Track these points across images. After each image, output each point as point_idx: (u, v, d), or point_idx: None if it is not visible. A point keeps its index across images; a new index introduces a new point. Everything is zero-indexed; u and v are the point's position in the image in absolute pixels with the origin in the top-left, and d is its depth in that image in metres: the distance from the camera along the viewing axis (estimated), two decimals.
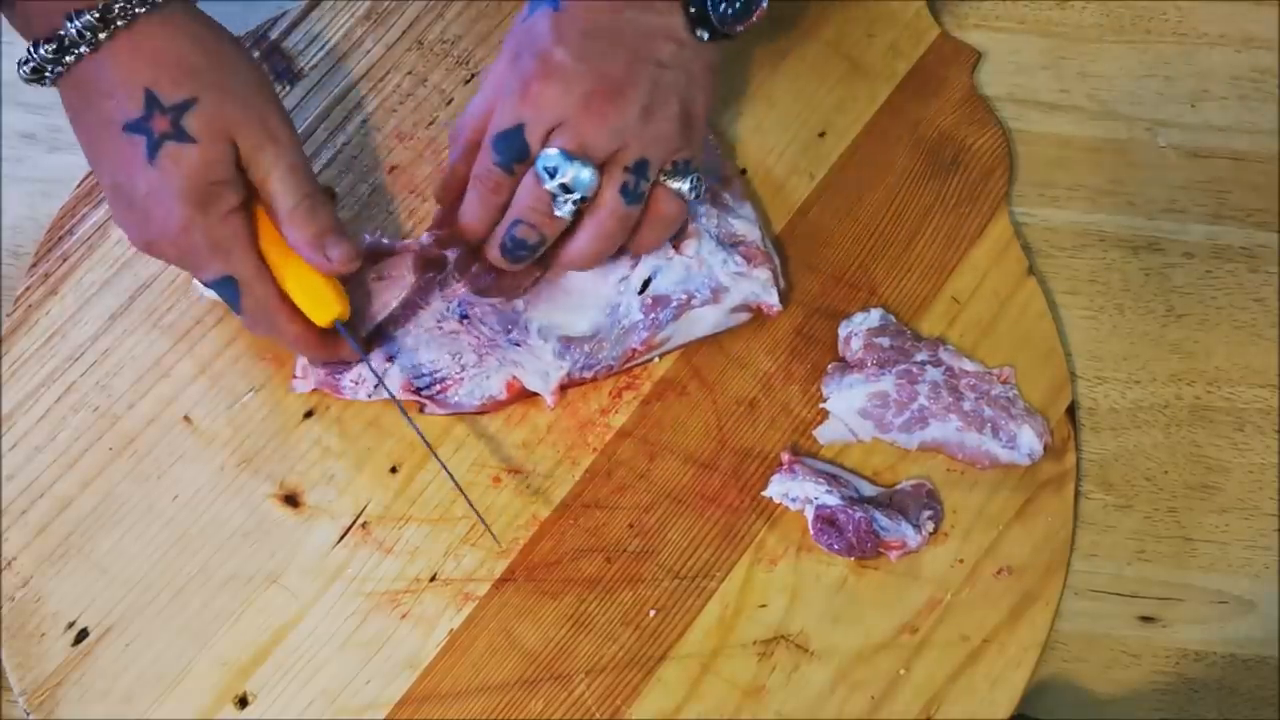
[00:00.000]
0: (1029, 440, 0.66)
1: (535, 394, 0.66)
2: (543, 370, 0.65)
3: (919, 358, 0.67)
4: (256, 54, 0.73)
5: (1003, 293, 0.70)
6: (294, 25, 0.74)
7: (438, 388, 0.65)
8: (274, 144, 0.58)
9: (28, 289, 0.68)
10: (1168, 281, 0.71)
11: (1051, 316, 0.70)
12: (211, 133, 0.56)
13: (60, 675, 0.62)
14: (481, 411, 0.66)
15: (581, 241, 0.62)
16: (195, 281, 0.65)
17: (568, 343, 0.65)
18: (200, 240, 0.57)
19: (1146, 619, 0.66)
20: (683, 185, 0.62)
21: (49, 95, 0.73)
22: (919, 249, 0.70)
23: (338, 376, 0.65)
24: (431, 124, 0.72)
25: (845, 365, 0.68)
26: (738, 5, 0.61)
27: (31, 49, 0.57)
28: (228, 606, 0.63)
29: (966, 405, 0.66)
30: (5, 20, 0.73)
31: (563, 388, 0.66)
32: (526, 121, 0.59)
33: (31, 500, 0.64)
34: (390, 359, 0.65)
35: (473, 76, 0.73)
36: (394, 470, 0.66)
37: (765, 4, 0.62)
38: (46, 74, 0.58)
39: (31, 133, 0.73)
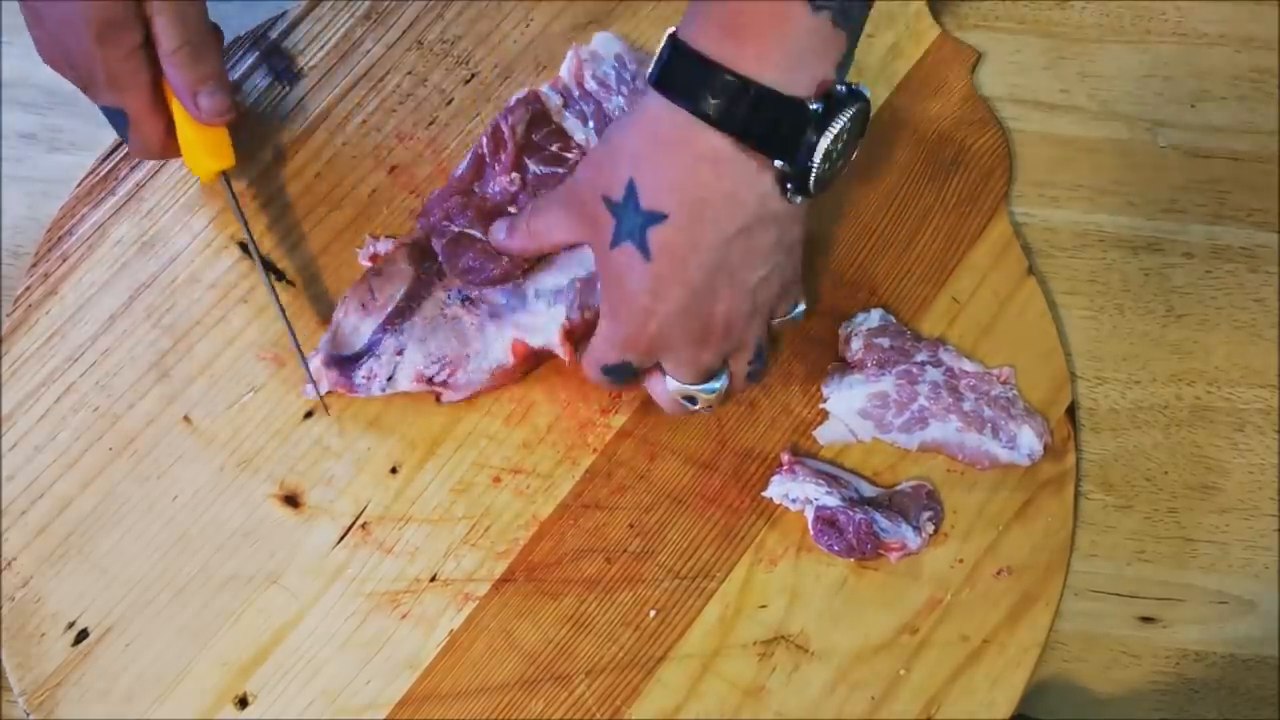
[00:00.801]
0: (1029, 440, 0.66)
1: (544, 360, 0.66)
2: (543, 323, 0.65)
3: (919, 358, 0.67)
4: (256, 54, 0.73)
5: (1003, 293, 0.70)
6: (294, 25, 0.74)
7: (447, 372, 0.65)
8: None
9: (28, 289, 0.68)
10: (1168, 281, 0.71)
11: (1051, 316, 0.70)
12: None
13: (60, 675, 0.62)
14: (497, 386, 0.66)
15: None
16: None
17: (559, 292, 0.65)
18: (99, 72, 0.60)
19: (1146, 619, 0.66)
20: (793, 319, 0.64)
21: (49, 95, 0.73)
22: (919, 249, 0.70)
23: (349, 376, 0.65)
24: (431, 124, 0.72)
25: (845, 365, 0.68)
26: (835, 163, 0.55)
27: None
28: (228, 606, 0.63)
29: (966, 405, 0.66)
30: (4, 20, 0.73)
31: (570, 338, 0.64)
32: (633, 360, 0.60)
33: (31, 500, 0.64)
34: (399, 352, 0.65)
35: (473, 76, 0.73)
36: (394, 470, 0.66)
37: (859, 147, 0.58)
38: None
39: (31, 133, 0.73)
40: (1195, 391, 0.69)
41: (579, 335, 0.64)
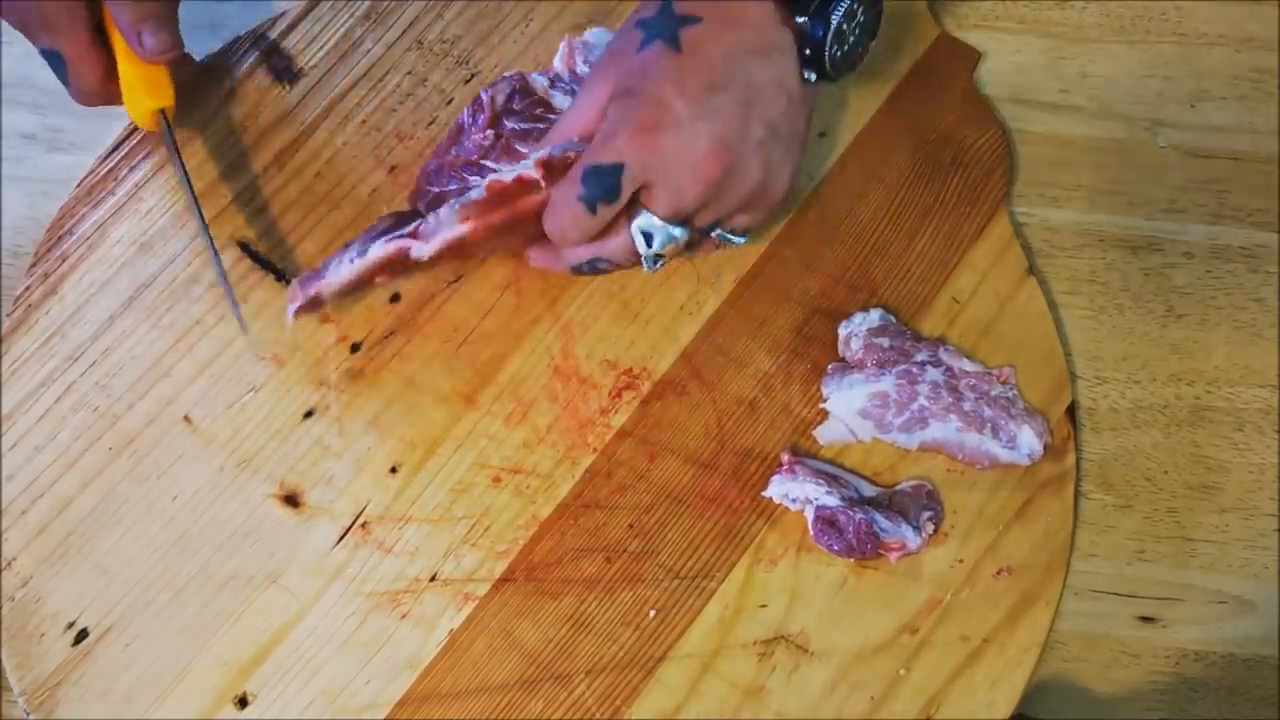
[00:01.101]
0: (1029, 440, 0.66)
1: (520, 228, 0.63)
2: (519, 165, 0.62)
3: (919, 358, 0.67)
4: (256, 54, 0.73)
5: (1003, 293, 0.70)
6: (294, 25, 0.74)
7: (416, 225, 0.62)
8: None
9: (28, 289, 0.68)
10: (1168, 281, 0.71)
11: (1051, 316, 0.70)
12: None
13: (60, 675, 0.62)
14: (471, 245, 0.62)
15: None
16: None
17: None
18: (34, 14, 0.61)
19: (1146, 619, 0.66)
20: (734, 240, 0.64)
21: (49, 95, 0.73)
22: (919, 249, 0.70)
23: (319, 273, 0.62)
24: (431, 124, 0.72)
25: (845, 365, 0.68)
26: (848, 47, 0.60)
27: None
28: (228, 606, 0.63)
29: (966, 405, 0.66)
30: (4, 20, 0.73)
31: (547, 169, 0.61)
32: (628, 165, 0.58)
33: (31, 500, 0.64)
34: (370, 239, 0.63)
35: (473, 76, 0.73)
36: (394, 470, 0.66)
37: (870, 49, 0.62)
38: None
39: (31, 133, 0.73)
40: (1195, 391, 0.69)
41: (555, 169, 0.61)
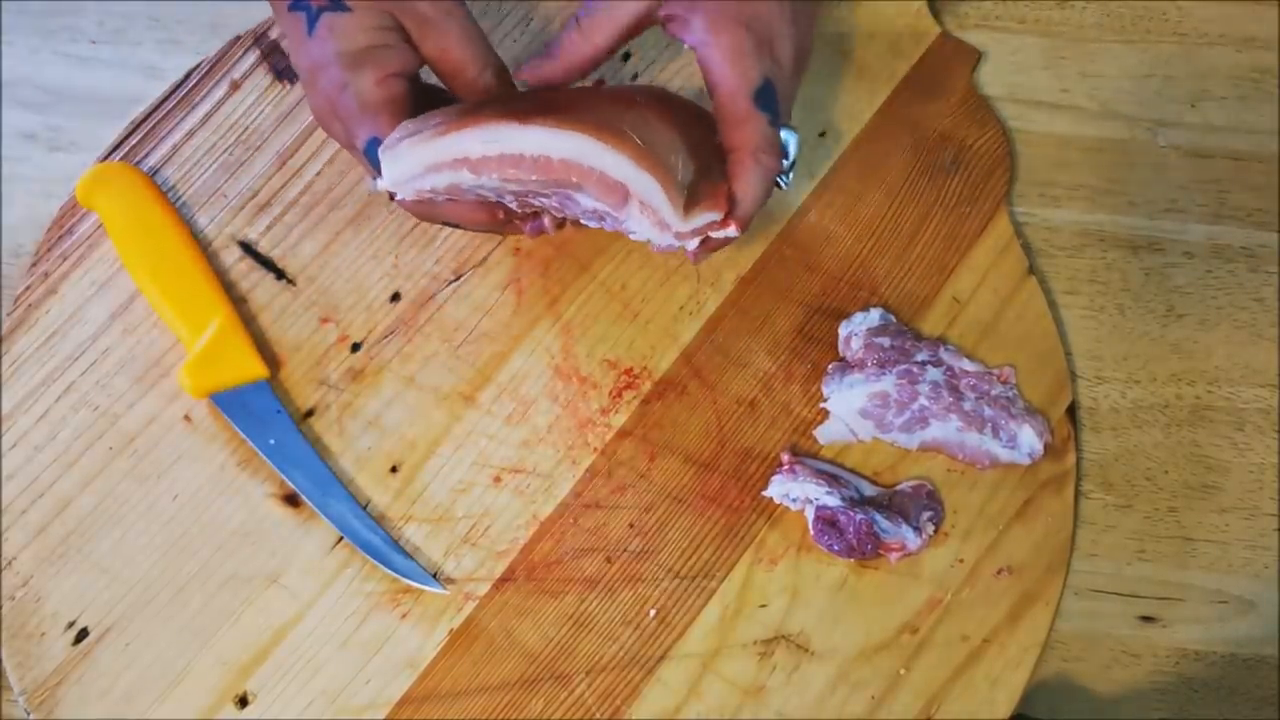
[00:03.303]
0: (1029, 440, 0.66)
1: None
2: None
3: (919, 357, 0.67)
4: (256, 54, 0.73)
5: (1003, 293, 0.70)
6: None
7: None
8: (446, 15, 0.58)
9: (28, 289, 0.68)
10: (1168, 281, 0.71)
11: (1051, 316, 0.70)
12: (369, 3, 0.57)
13: (60, 675, 0.62)
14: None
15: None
16: (371, 183, 0.63)
17: None
18: (352, 102, 0.57)
19: (1146, 619, 0.66)
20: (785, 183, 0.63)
21: (49, 95, 0.73)
22: (919, 249, 0.70)
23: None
24: None
25: (845, 365, 0.68)
26: None
27: None
28: (228, 606, 0.63)
29: (967, 405, 0.66)
30: (4, 20, 0.73)
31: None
32: (772, 77, 0.58)
33: (31, 500, 0.64)
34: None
35: None
36: (394, 470, 0.66)
37: None
38: None
39: (32, 133, 0.73)
40: (1195, 391, 0.69)
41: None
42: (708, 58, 0.58)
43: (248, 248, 0.69)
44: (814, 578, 0.64)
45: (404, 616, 0.63)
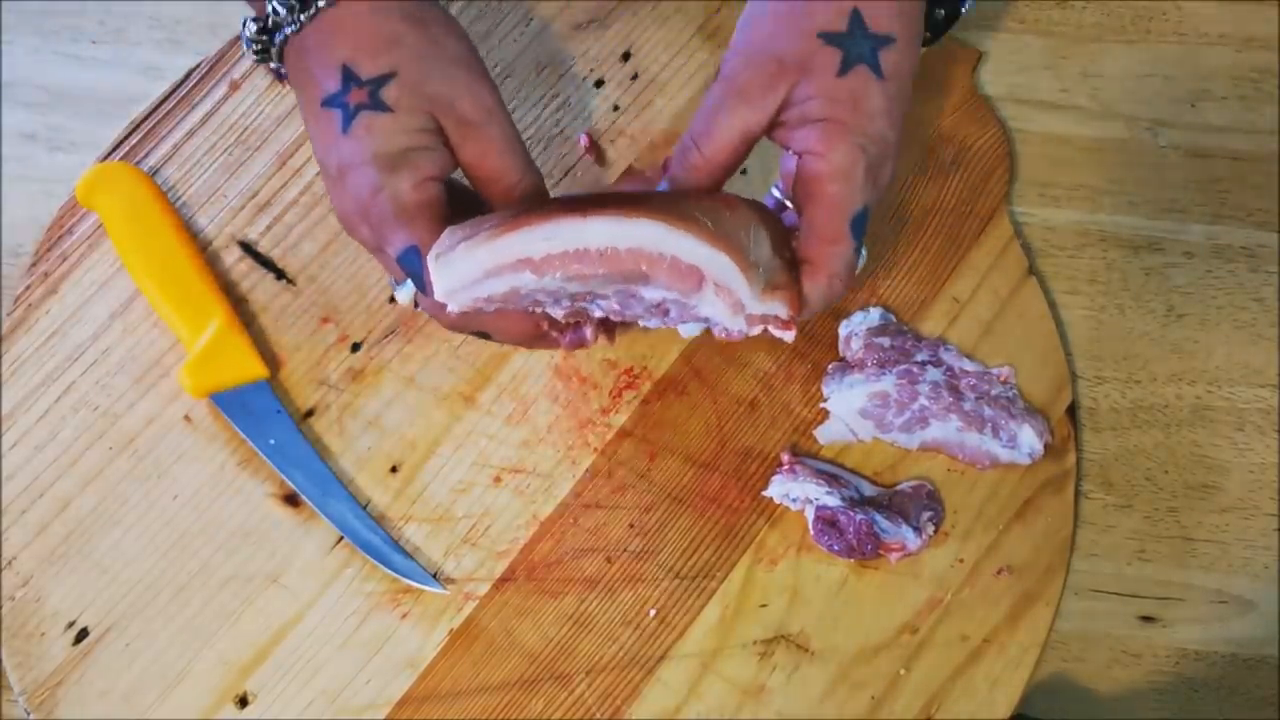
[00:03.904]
0: (1029, 440, 0.66)
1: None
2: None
3: (919, 357, 0.67)
4: None
5: (1003, 293, 0.70)
6: None
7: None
8: (488, 118, 0.56)
9: (28, 288, 0.68)
10: (1168, 281, 0.71)
11: (1051, 316, 0.70)
12: (410, 103, 0.54)
13: (60, 675, 0.62)
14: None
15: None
16: (396, 290, 0.60)
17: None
18: (387, 206, 0.54)
19: (1146, 619, 0.66)
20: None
21: (49, 95, 0.73)
22: (919, 249, 0.70)
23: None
24: None
25: (846, 365, 0.68)
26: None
27: (245, 24, 0.57)
28: (228, 606, 0.63)
29: (967, 405, 0.66)
30: (4, 20, 0.73)
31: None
32: (870, 205, 0.56)
33: (31, 500, 0.64)
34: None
35: None
36: (394, 470, 0.66)
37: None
38: (263, 55, 0.58)
39: (32, 133, 0.73)
40: (1195, 391, 0.69)
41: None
42: (816, 170, 0.55)
43: (248, 248, 0.69)
44: (814, 578, 0.64)
45: (404, 616, 0.63)
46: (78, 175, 0.68)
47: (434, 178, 0.55)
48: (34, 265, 0.68)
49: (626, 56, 0.73)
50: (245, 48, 0.58)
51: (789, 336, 0.55)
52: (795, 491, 0.64)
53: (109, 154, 0.70)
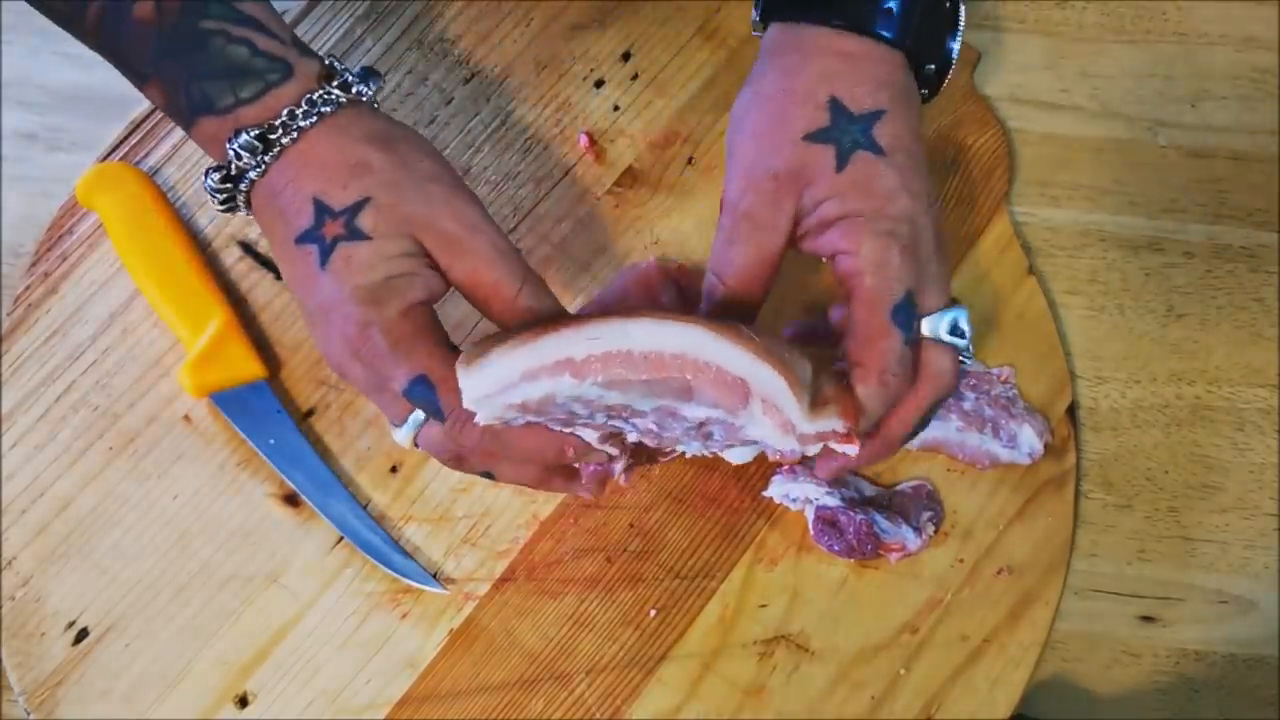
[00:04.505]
0: (1029, 440, 0.66)
1: None
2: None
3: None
4: None
5: (1003, 293, 0.70)
6: (294, 25, 0.73)
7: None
8: (472, 232, 0.53)
9: (28, 288, 0.68)
10: (1168, 281, 0.71)
11: (1051, 316, 0.70)
12: (388, 228, 0.52)
13: (60, 675, 0.62)
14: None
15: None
16: (395, 430, 0.56)
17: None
18: (381, 341, 0.51)
19: (1146, 619, 0.66)
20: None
21: (49, 95, 0.73)
22: None
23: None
24: (431, 123, 0.72)
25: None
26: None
27: (207, 175, 0.54)
28: (228, 606, 0.63)
29: (967, 405, 0.66)
30: (4, 20, 0.73)
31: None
32: (914, 288, 0.54)
33: (31, 500, 0.64)
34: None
35: (473, 76, 0.73)
36: (394, 470, 0.66)
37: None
38: (230, 204, 0.55)
39: (32, 133, 0.73)
40: (1195, 391, 0.69)
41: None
42: (849, 268, 0.54)
43: (248, 248, 0.69)
44: (814, 578, 0.64)
45: (404, 616, 0.63)
46: (78, 175, 0.68)
47: (423, 303, 0.52)
48: (34, 265, 0.68)
49: (626, 56, 0.73)
50: (211, 199, 0.55)
51: (852, 450, 0.52)
52: (795, 491, 0.64)
53: (109, 154, 0.70)
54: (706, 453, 0.56)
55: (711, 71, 0.72)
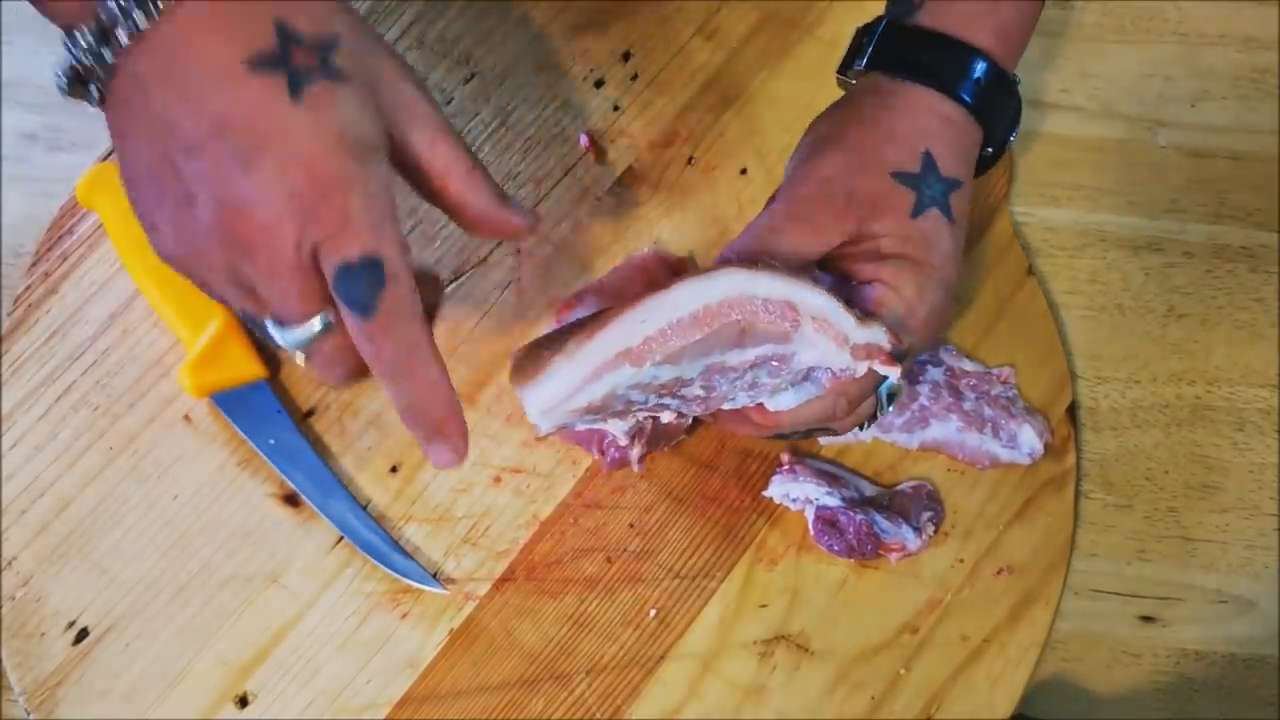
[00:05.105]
0: (1029, 440, 0.66)
1: None
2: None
3: (919, 357, 0.67)
4: None
5: (1003, 293, 0.70)
6: None
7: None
8: (431, 102, 0.48)
9: (28, 288, 0.68)
10: (1168, 281, 0.71)
11: (1051, 316, 0.70)
12: (361, 80, 0.45)
13: (60, 675, 0.62)
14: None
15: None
16: (282, 331, 0.48)
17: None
18: (357, 206, 0.44)
19: (1146, 619, 0.66)
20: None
21: (49, 95, 0.73)
22: None
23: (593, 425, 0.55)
24: None
25: None
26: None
27: (69, 46, 0.46)
28: (228, 606, 0.63)
29: (967, 405, 0.66)
30: (4, 20, 0.73)
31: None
32: (915, 345, 0.56)
33: (32, 500, 0.64)
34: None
35: (473, 76, 0.73)
36: (394, 470, 0.66)
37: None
38: (94, 77, 0.46)
39: (32, 133, 0.73)
40: (1195, 391, 0.69)
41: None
42: (883, 299, 0.56)
43: None
44: (814, 578, 0.64)
45: (404, 616, 0.63)
46: (78, 175, 0.68)
47: (389, 174, 0.47)
48: (34, 265, 0.68)
49: (626, 56, 0.73)
50: (59, 80, 0.47)
51: (895, 374, 0.54)
52: (795, 491, 0.64)
53: (109, 154, 0.70)
54: (753, 403, 0.56)
55: (711, 71, 0.73)
